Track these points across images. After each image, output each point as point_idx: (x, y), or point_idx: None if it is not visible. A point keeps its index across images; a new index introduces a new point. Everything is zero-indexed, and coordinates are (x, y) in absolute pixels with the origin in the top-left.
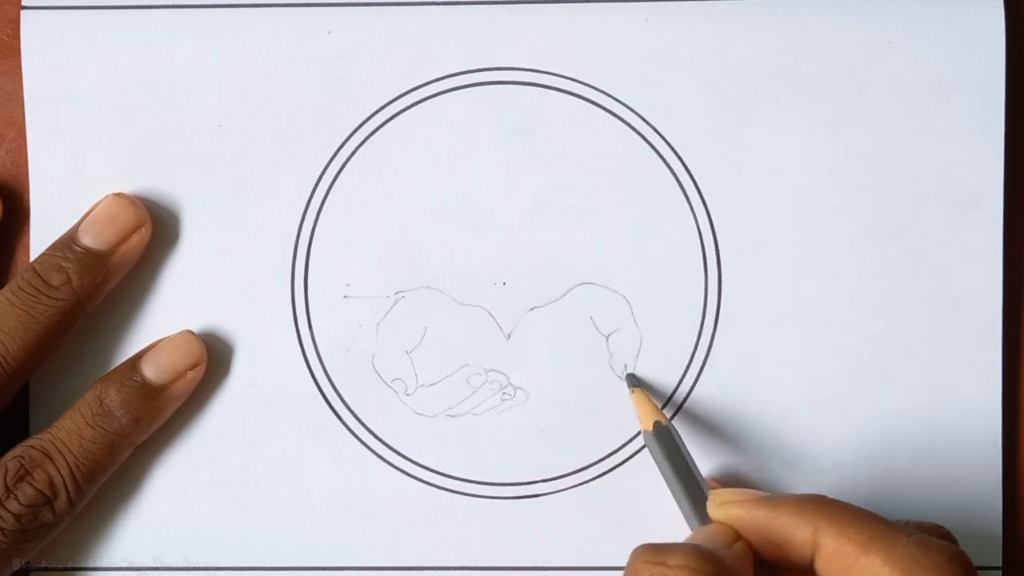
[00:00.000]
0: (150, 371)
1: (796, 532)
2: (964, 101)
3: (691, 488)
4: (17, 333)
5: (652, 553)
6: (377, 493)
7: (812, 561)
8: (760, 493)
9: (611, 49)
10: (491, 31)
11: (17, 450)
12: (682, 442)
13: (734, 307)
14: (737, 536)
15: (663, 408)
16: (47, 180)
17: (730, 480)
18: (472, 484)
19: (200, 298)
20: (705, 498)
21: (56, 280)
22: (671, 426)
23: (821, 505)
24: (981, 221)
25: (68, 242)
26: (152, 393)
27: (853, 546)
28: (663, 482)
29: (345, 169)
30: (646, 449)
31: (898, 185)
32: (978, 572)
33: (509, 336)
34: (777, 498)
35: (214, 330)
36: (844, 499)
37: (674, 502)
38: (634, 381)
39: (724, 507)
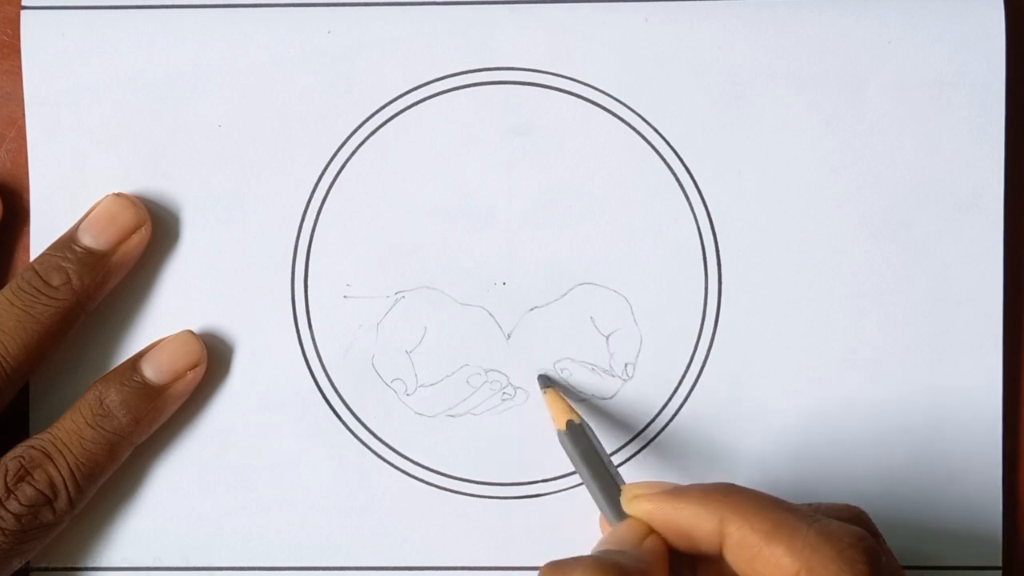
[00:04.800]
0: (150, 371)
1: (703, 523)
2: (964, 101)
3: (606, 485)
4: (17, 333)
5: (554, 572)
6: (377, 493)
7: (722, 551)
8: (670, 485)
9: (611, 49)
10: (491, 31)
11: (17, 450)
12: (597, 440)
13: (734, 307)
14: (650, 531)
15: (664, 407)
16: (47, 180)
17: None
18: (472, 484)
19: (200, 298)
20: (620, 494)
21: (56, 280)
22: (584, 424)
23: (727, 494)
24: (981, 221)
25: (68, 242)
26: (152, 393)
27: (757, 536)
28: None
29: (345, 169)
30: (647, 449)
31: (898, 185)
32: (881, 554)
33: (509, 336)
34: (684, 489)
35: (214, 330)
36: (846, 499)
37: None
38: (546, 382)
39: (635, 501)
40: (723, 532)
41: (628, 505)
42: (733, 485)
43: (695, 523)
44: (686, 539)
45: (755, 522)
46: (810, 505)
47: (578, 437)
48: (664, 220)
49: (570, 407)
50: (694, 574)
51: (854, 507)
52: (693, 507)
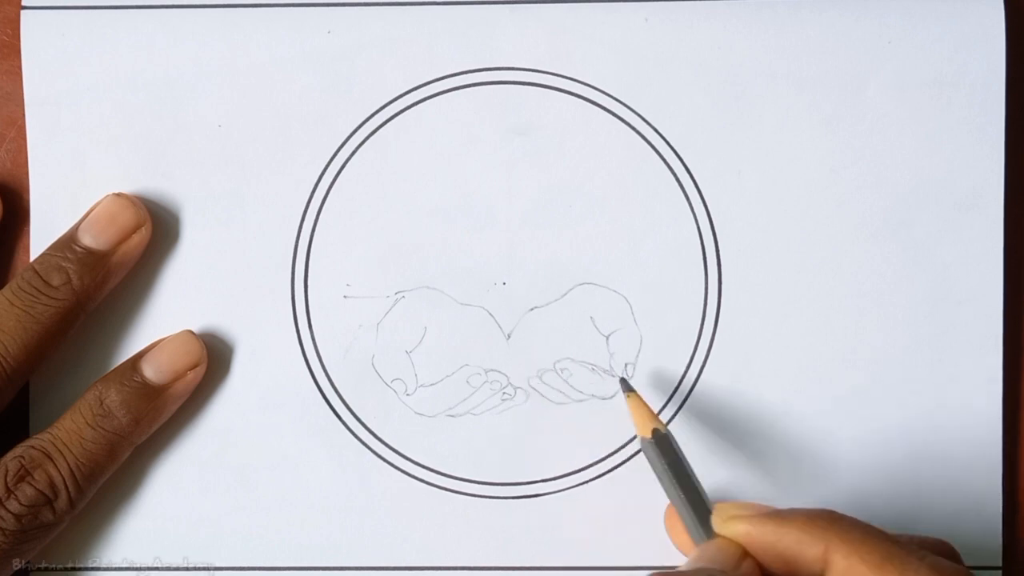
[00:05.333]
0: (150, 371)
1: (806, 549)
2: (964, 101)
3: (694, 500)
4: (17, 333)
5: None
6: (377, 493)
7: None
8: (767, 507)
9: (611, 49)
10: (491, 31)
11: (17, 450)
12: (681, 451)
13: (734, 307)
14: (744, 553)
15: (664, 407)
16: (47, 180)
17: (731, 483)
18: (472, 484)
19: (200, 298)
20: (708, 511)
21: (56, 280)
22: (669, 434)
23: (832, 522)
24: (981, 221)
25: (68, 242)
26: (152, 393)
27: (865, 566)
28: (657, 486)
29: (345, 169)
30: None
31: (898, 185)
32: None
33: (509, 336)
34: (786, 513)
35: (214, 330)
36: (846, 499)
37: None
38: (627, 386)
39: (731, 522)
40: (828, 560)
41: (723, 526)
42: (837, 512)
43: (798, 549)
44: (785, 564)
45: (863, 552)
46: (907, 536)
47: (664, 448)
48: (664, 220)
49: (654, 415)
50: None
51: (946, 542)
52: (796, 532)
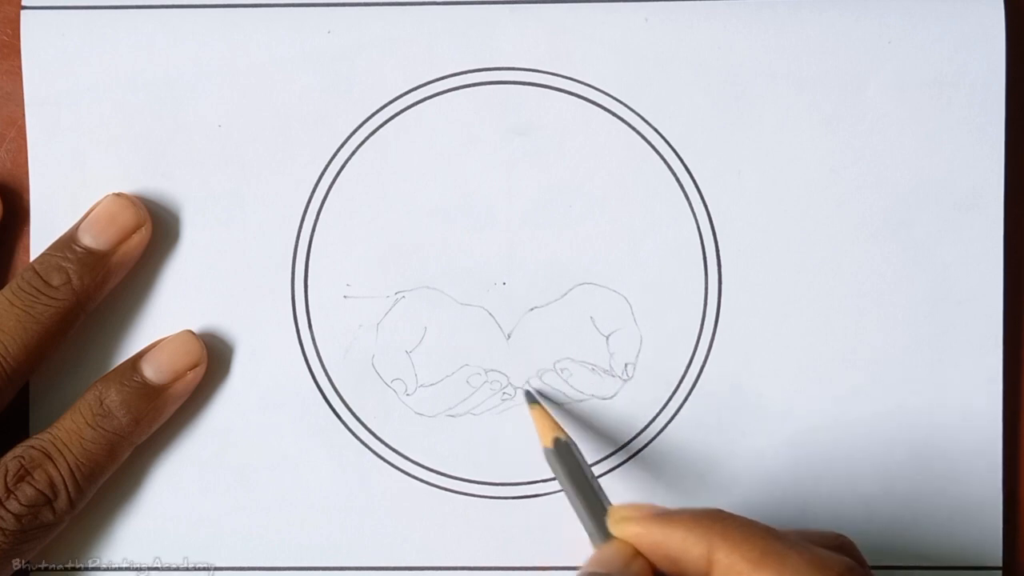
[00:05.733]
0: (150, 371)
1: (691, 548)
2: (964, 101)
3: (592, 504)
4: (17, 333)
5: None
6: (377, 493)
7: None
8: (658, 508)
9: (611, 49)
10: (491, 31)
11: (17, 450)
12: (582, 458)
13: (734, 307)
14: (636, 553)
15: (664, 407)
16: (47, 180)
17: (730, 483)
18: (472, 484)
19: (200, 298)
20: (606, 514)
21: (56, 280)
22: (571, 442)
23: (716, 521)
24: (981, 221)
25: (68, 242)
26: (152, 393)
27: (746, 563)
28: (657, 486)
29: (345, 169)
30: (647, 449)
31: (898, 185)
32: None
33: (509, 336)
34: (673, 513)
35: (214, 330)
36: (846, 499)
37: (670, 502)
38: (531, 397)
39: (622, 523)
40: (711, 559)
41: (615, 527)
42: (722, 511)
43: (683, 548)
44: (673, 564)
45: (744, 549)
46: (798, 532)
47: (564, 455)
48: (664, 220)
49: (556, 424)
50: None
51: (842, 536)
52: (681, 532)
